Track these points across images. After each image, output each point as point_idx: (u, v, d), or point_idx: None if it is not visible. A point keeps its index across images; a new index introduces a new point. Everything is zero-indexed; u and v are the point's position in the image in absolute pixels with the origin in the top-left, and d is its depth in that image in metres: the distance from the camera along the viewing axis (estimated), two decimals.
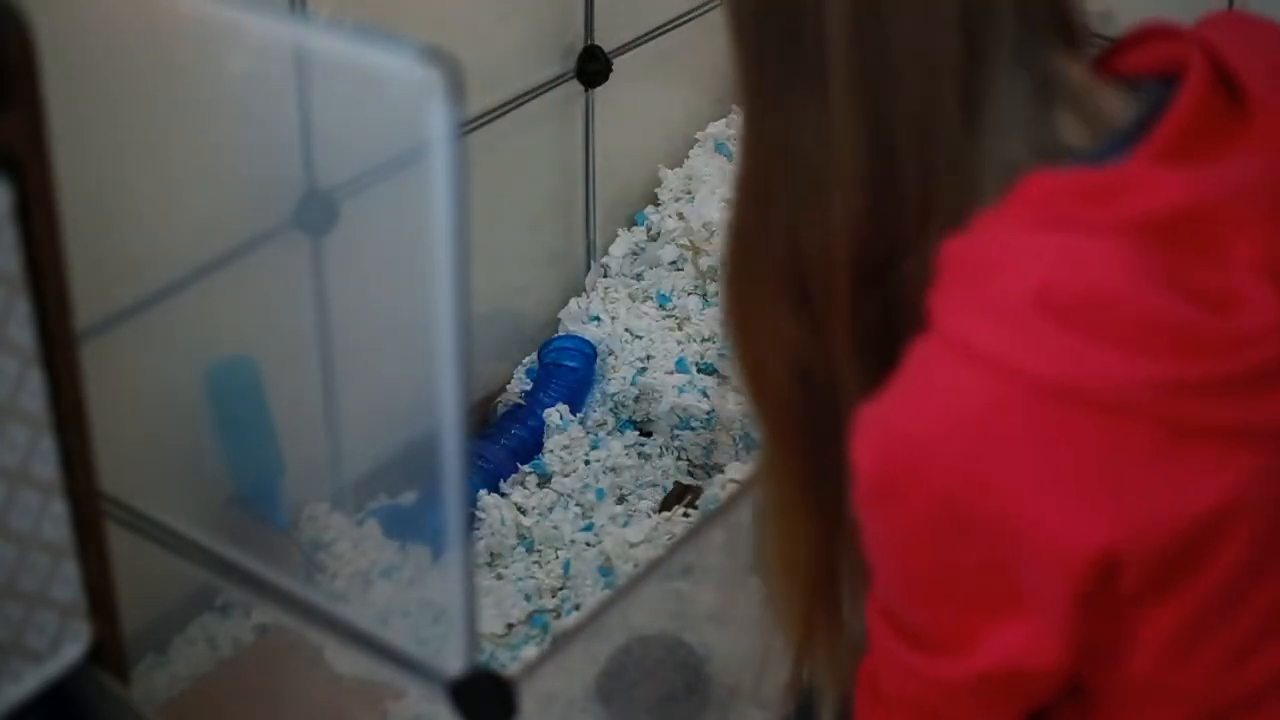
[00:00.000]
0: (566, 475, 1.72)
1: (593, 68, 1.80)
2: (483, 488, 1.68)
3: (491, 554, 1.62)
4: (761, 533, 1.03)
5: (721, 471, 1.72)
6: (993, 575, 0.84)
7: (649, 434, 1.80)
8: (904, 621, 0.89)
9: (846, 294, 0.89)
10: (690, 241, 1.91)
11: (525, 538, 1.65)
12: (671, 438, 1.78)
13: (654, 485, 1.73)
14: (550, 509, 1.68)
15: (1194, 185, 0.84)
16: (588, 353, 1.83)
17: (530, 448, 1.75)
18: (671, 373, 1.81)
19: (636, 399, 1.80)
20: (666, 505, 1.69)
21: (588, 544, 1.64)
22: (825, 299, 0.90)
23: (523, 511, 1.67)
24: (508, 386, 1.84)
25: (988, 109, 0.86)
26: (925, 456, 0.83)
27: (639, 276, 1.93)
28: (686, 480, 1.74)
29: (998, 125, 0.86)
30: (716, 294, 1.88)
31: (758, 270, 0.93)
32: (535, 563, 1.62)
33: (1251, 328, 0.82)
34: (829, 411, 0.92)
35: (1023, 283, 0.82)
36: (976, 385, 0.82)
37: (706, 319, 1.86)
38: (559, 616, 1.56)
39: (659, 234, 1.94)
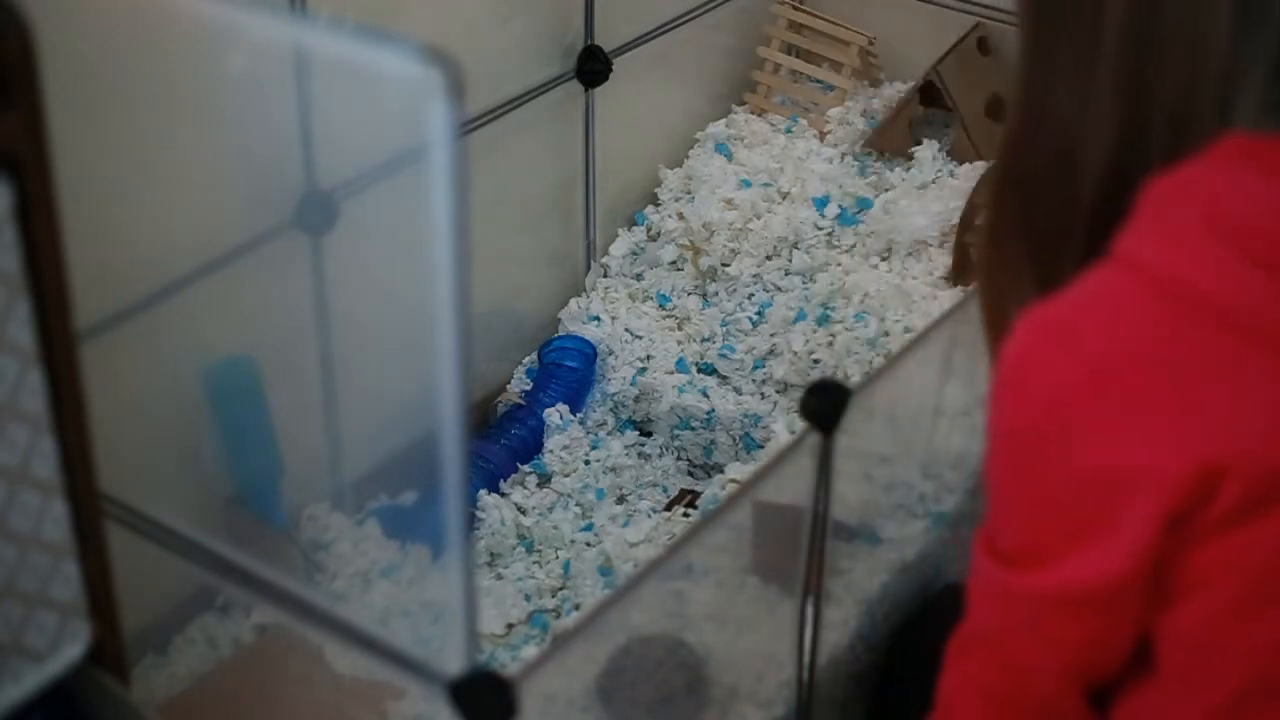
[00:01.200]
0: (566, 475, 1.72)
1: (593, 68, 1.80)
2: (483, 488, 1.68)
3: (491, 554, 1.62)
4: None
5: (721, 471, 1.72)
6: (1089, 483, 0.86)
7: (649, 434, 1.80)
8: (999, 541, 0.92)
9: (1085, 249, 0.92)
10: (690, 241, 1.91)
11: (525, 538, 1.65)
12: (671, 438, 1.78)
13: (654, 485, 1.73)
14: (550, 509, 1.68)
15: None
16: (588, 353, 1.83)
17: (530, 448, 1.75)
18: (671, 373, 1.81)
19: (636, 399, 1.80)
20: (669, 509, 1.70)
21: (588, 544, 1.64)
22: (1064, 247, 0.93)
23: (523, 511, 1.67)
24: (508, 386, 1.84)
25: (1243, 98, 0.89)
26: (1059, 339, 0.87)
27: (639, 276, 1.93)
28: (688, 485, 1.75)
29: (1246, 112, 0.89)
30: (716, 294, 1.88)
31: (1011, 202, 0.98)
32: (535, 563, 1.62)
33: None
34: None
35: (1196, 206, 0.86)
36: (1129, 289, 0.86)
37: (706, 319, 1.86)
38: (559, 616, 1.56)
39: (659, 234, 1.94)
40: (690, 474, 1.77)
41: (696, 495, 1.72)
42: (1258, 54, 0.90)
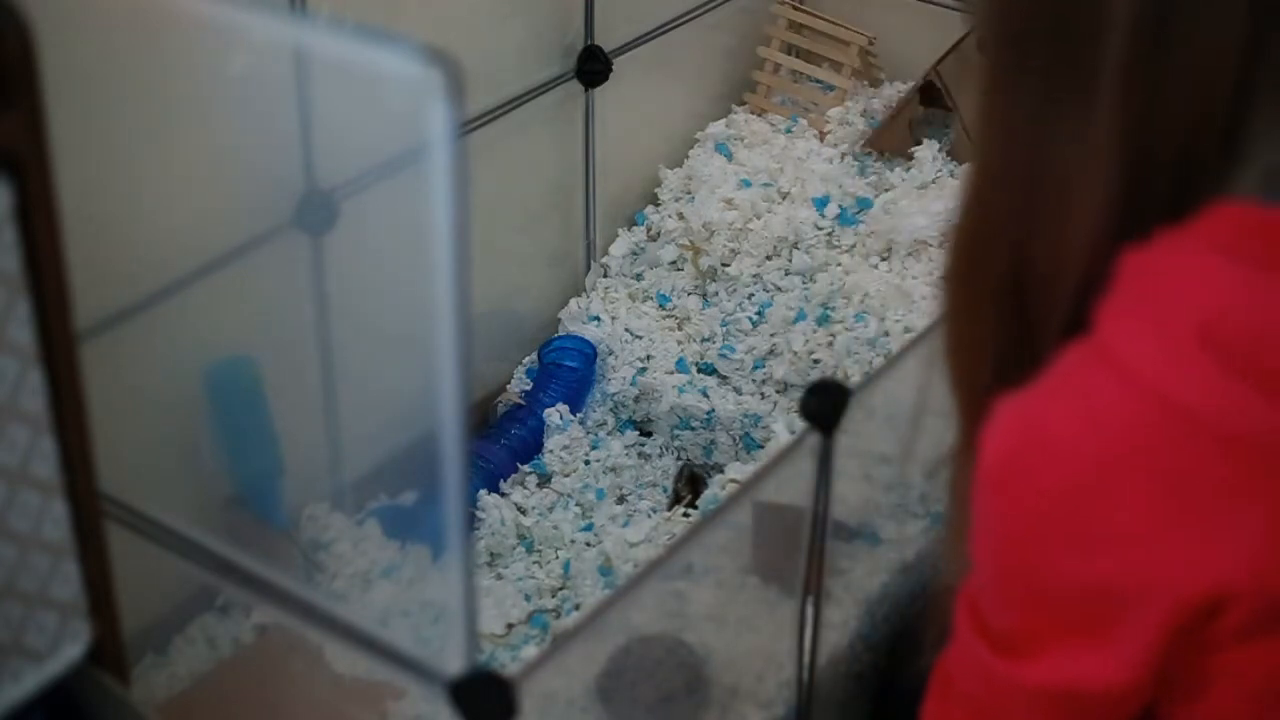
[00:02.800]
0: (566, 475, 1.72)
1: (593, 68, 1.80)
2: (483, 488, 1.68)
3: (491, 554, 1.62)
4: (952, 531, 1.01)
5: (721, 471, 1.72)
6: (1089, 596, 0.83)
7: (649, 434, 1.80)
8: (988, 619, 0.89)
9: (1066, 310, 0.86)
10: (690, 241, 1.91)
11: (525, 538, 1.65)
12: (671, 438, 1.78)
13: (654, 485, 1.73)
14: (550, 509, 1.68)
15: None
16: (588, 353, 1.83)
17: (530, 448, 1.75)
18: (671, 373, 1.81)
19: (636, 399, 1.80)
20: (678, 493, 1.70)
21: (588, 544, 1.64)
22: (1043, 312, 0.87)
23: (523, 511, 1.67)
24: (508, 386, 1.84)
25: (1246, 155, 0.83)
26: (1054, 451, 0.82)
27: (639, 276, 1.93)
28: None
29: (1252, 170, 0.83)
30: (716, 294, 1.88)
31: (978, 275, 0.90)
32: (535, 563, 1.62)
33: None
34: None
35: (1190, 311, 0.80)
36: (1121, 399, 0.81)
37: (706, 319, 1.86)
38: (559, 616, 1.56)
39: (659, 234, 1.94)
40: (690, 474, 1.77)
41: (700, 480, 1.72)
42: (1266, 99, 0.82)
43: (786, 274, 1.87)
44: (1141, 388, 0.81)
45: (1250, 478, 0.80)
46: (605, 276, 1.94)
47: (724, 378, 1.82)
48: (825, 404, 1.12)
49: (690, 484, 1.74)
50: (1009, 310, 0.89)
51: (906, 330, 1.75)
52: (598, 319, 1.87)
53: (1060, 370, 0.84)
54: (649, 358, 1.83)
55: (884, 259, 1.87)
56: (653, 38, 1.88)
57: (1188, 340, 0.80)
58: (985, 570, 0.88)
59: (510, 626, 1.54)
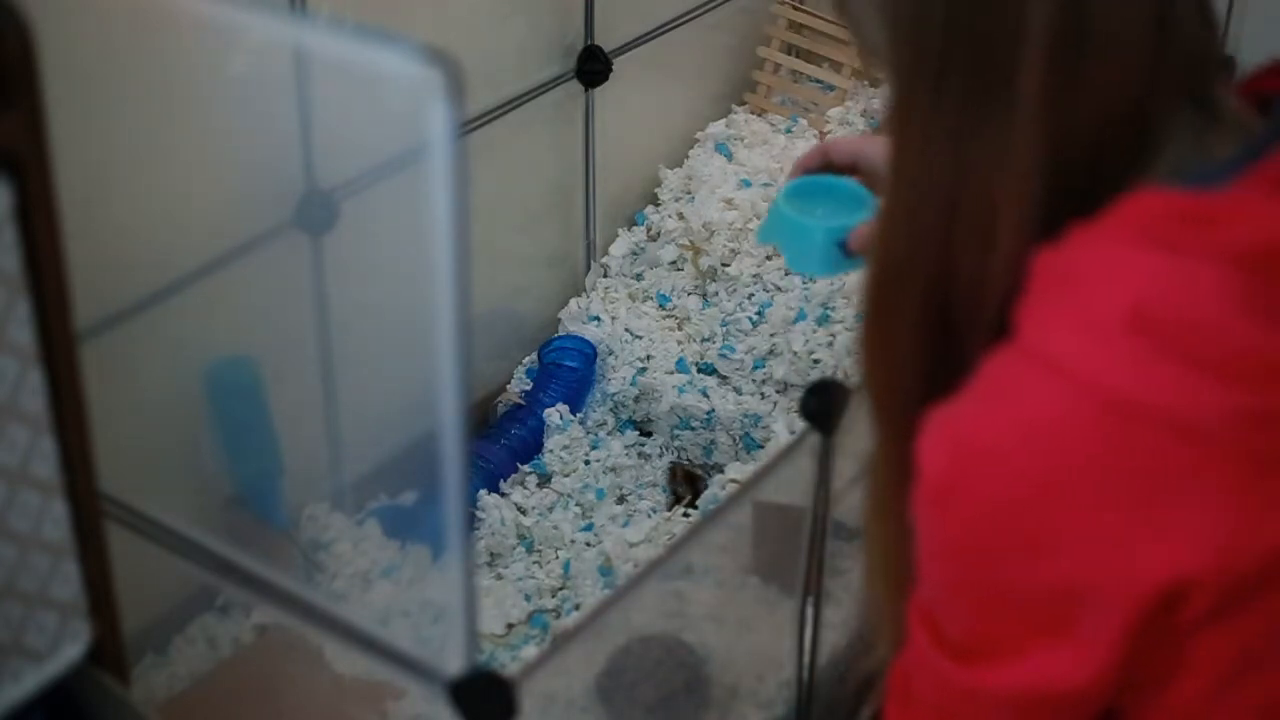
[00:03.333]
0: (566, 475, 1.72)
1: (593, 68, 1.80)
2: (483, 488, 1.68)
3: (491, 554, 1.62)
4: (870, 549, 1.00)
5: (721, 471, 1.72)
6: (1047, 596, 0.82)
7: (649, 434, 1.80)
8: (943, 628, 0.88)
9: (992, 321, 0.86)
10: (690, 241, 1.91)
11: (525, 538, 1.65)
12: (671, 438, 1.78)
13: (654, 485, 1.73)
14: (550, 509, 1.68)
15: None
16: (588, 353, 1.83)
17: (530, 448, 1.75)
18: (671, 373, 1.81)
19: (636, 399, 1.80)
20: (677, 493, 1.70)
21: (588, 544, 1.64)
22: (969, 327, 0.88)
23: (523, 511, 1.67)
24: (508, 386, 1.84)
25: (1160, 156, 0.85)
26: (993, 464, 0.82)
27: (639, 276, 1.93)
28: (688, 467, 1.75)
29: (1162, 158, 0.85)
30: (716, 294, 1.88)
31: (902, 294, 0.90)
32: (535, 563, 1.62)
33: None
34: None
35: (1116, 299, 0.80)
36: (1055, 397, 0.81)
37: (706, 319, 1.86)
38: (559, 616, 1.56)
39: (659, 234, 1.94)
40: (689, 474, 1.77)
41: (695, 479, 1.72)
42: (1177, 101, 0.85)
43: (786, 274, 1.87)
44: (1074, 383, 0.80)
45: (1195, 460, 0.80)
46: (605, 276, 1.93)
47: (724, 378, 1.82)
48: (825, 404, 1.12)
49: (688, 482, 1.75)
50: (934, 329, 0.89)
51: None
52: (598, 319, 1.87)
53: (987, 377, 0.84)
54: (649, 358, 1.83)
55: None
56: (653, 38, 1.88)
57: (1116, 329, 0.80)
58: (936, 582, 0.87)
59: (510, 626, 1.54)
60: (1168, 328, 0.80)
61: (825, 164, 1.41)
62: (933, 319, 0.89)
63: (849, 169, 1.41)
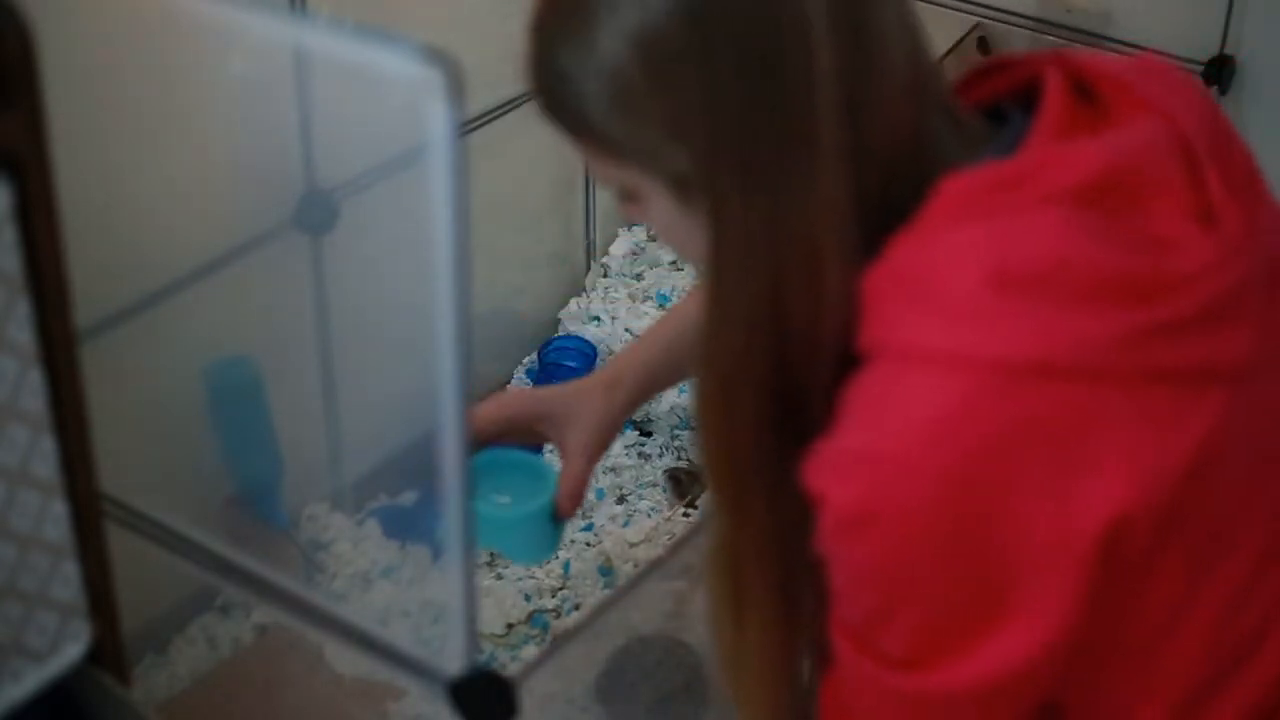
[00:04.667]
0: None
1: None
2: None
3: (491, 554, 1.62)
4: (721, 629, 1.00)
5: None
6: (990, 577, 0.83)
7: (649, 434, 1.80)
8: (882, 645, 0.87)
9: (830, 368, 0.88)
10: None
11: None
12: (671, 438, 1.78)
13: (654, 485, 1.73)
14: None
15: (1105, 150, 0.86)
16: (588, 353, 1.83)
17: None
18: None
19: None
20: (679, 493, 1.70)
21: (588, 544, 1.64)
22: (808, 378, 0.89)
23: None
24: (508, 386, 1.84)
25: (937, 156, 0.88)
26: (906, 473, 0.82)
27: (639, 276, 1.93)
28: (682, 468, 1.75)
29: (942, 165, 0.88)
30: None
31: (745, 379, 0.90)
32: None
33: (1192, 266, 0.84)
34: (799, 496, 0.91)
35: (966, 276, 0.82)
36: (945, 387, 0.81)
37: None
38: (559, 616, 1.56)
39: (659, 234, 1.94)
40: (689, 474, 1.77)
41: (693, 476, 1.72)
42: (939, 127, 0.90)
43: None
44: (958, 366, 0.81)
45: (1096, 397, 0.81)
46: (605, 276, 1.93)
47: None
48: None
49: (690, 480, 1.74)
50: (775, 388, 0.89)
51: None
52: (598, 319, 1.87)
53: (862, 399, 0.85)
54: None
55: None
56: None
57: (979, 301, 0.82)
58: (868, 607, 0.87)
59: (510, 626, 1.54)
60: (1024, 280, 0.82)
61: (505, 426, 1.25)
62: (769, 382, 0.89)
63: (530, 423, 1.27)
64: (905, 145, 0.88)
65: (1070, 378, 0.81)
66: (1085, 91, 0.92)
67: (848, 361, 0.87)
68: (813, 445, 0.86)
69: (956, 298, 0.82)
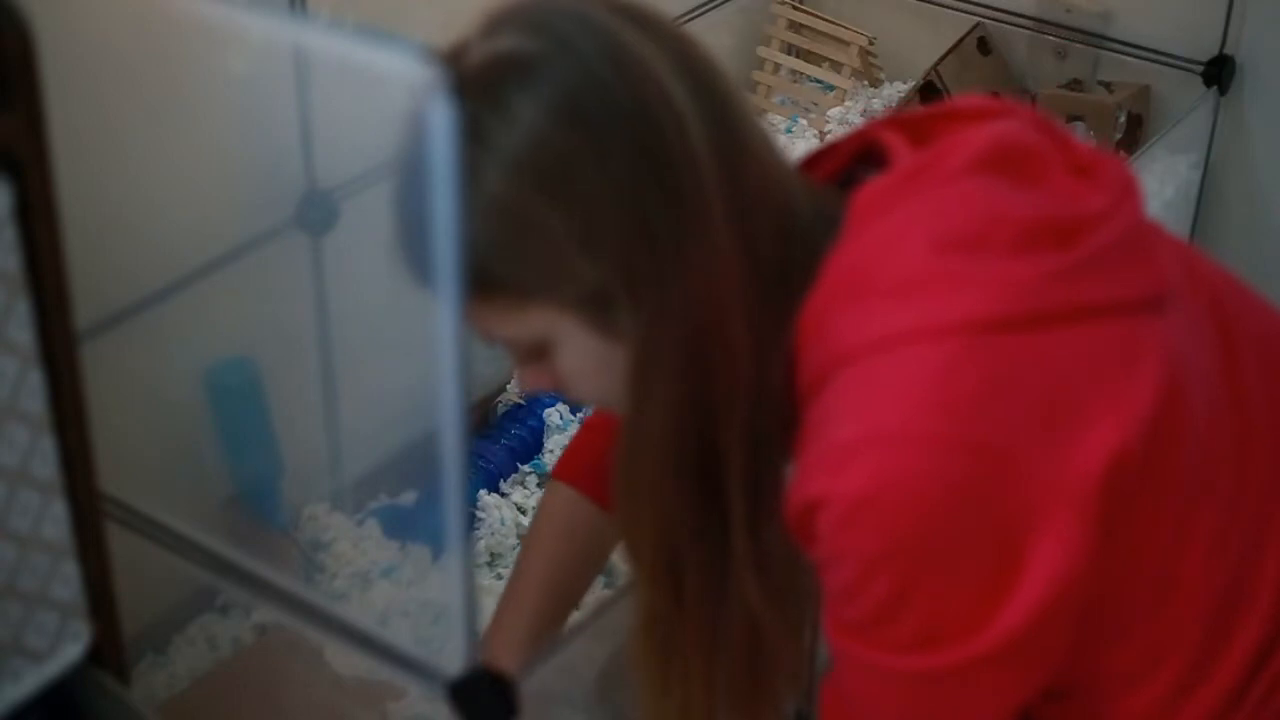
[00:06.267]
0: None
1: None
2: (483, 488, 1.68)
3: (491, 554, 1.62)
4: (646, 698, 1.01)
5: None
6: (1001, 533, 0.83)
7: None
8: (894, 633, 0.87)
9: (747, 452, 0.90)
10: None
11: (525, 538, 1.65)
12: None
13: None
14: None
15: (988, 129, 0.92)
16: None
17: (530, 448, 1.75)
18: None
19: None
20: None
21: None
22: (725, 463, 0.90)
23: (523, 511, 1.67)
24: (508, 386, 1.84)
25: (802, 223, 0.91)
26: (907, 442, 0.82)
27: None
28: None
29: (814, 217, 0.91)
30: None
31: (652, 457, 0.91)
32: None
33: (1096, 206, 0.89)
34: (717, 581, 0.93)
35: (910, 248, 0.85)
36: (923, 356, 0.83)
37: None
38: None
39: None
40: None
41: None
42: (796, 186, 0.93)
43: None
44: (936, 336, 0.83)
45: (1071, 339, 0.85)
46: None
47: None
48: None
49: None
50: (687, 478, 0.91)
51: None
52: None
53: (842, 401, 0.86)
54: None
55: None
56: None
57: (927, 263, 0.85)
58: (879, 596, 0.86)
59: None
60: (966, 241, 0.85)
61: None
62: (685, 474, 0.91)
63: None
64: (784, 216, 0.90)
65: (1033, 326, 0.84)
66: (920, 134, 0.95)
67: (775, 411, 0.90)
68: (736, 546, 0.91)
69: (907, 274, 0.85)
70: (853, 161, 0.98)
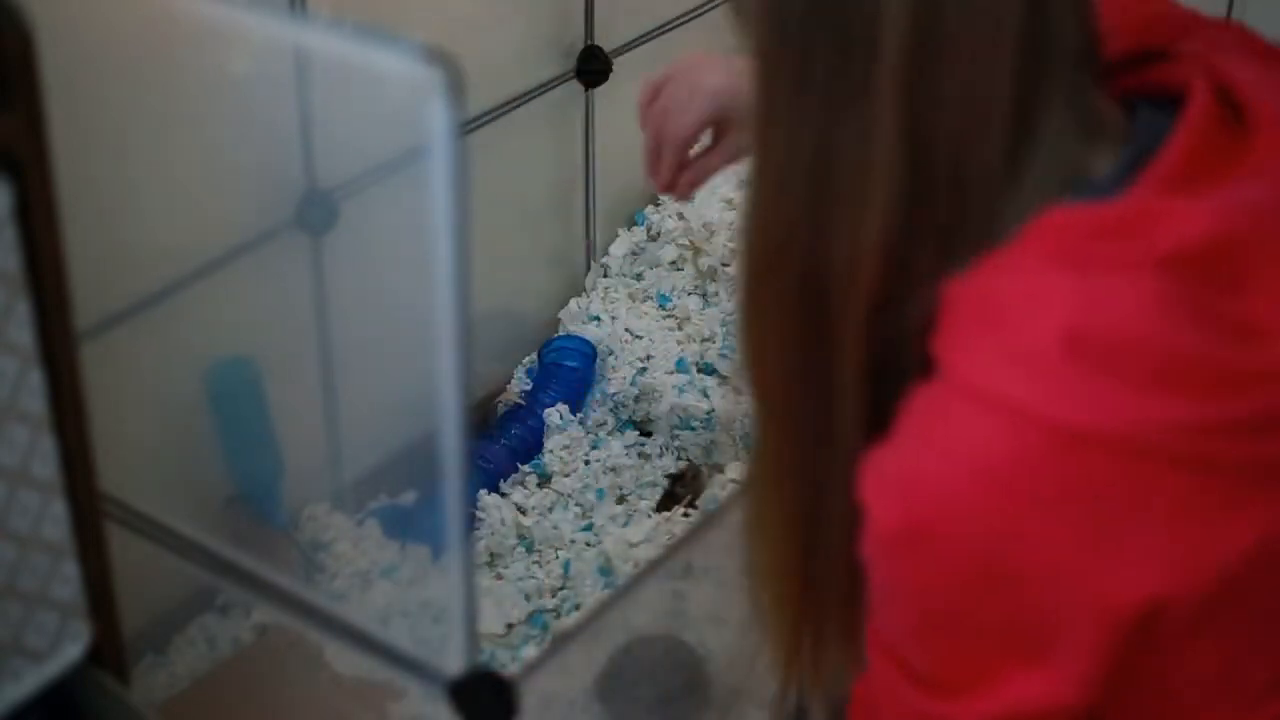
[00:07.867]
0: (566, 475, 1.72)
1: (593, 68, 1.80)
2: (483, 488, 1.68)
3: (491, 554, 1.62)
4: (749, 544, 1.00)
5: (721, 471, 1.72)
6: (1019, 625, 0.82)
7: (649, 434, 1.80)
8: (910, 662, 0.87)
9: (861, 317, 0.86)
10: (690, 241, 1.91)
11: (525, 538, 1.65)
12: (671, 438, 1.78)
13: (654, 485, 1.73)
14: (550, 509, 1.68)
15: (1218, 215, 0.82)
16: (588, 353, 1.83)
17: (530, 448, 1.75)
18: (671, 373, 1.81)
19: (636, 399, 1.80)
20: (665, 506, 1.70)
21: (588, 544, 1.64)
22: (840, 319, 0.87)
23: (523, 511, 1.67)
24: (508, 386, 1.84)
25: (1035, 154, 0.84)
26: (953, 512, 0.81)
27: (639, 276, 1.93)
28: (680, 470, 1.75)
29: (1043, 170, 0.84)
30: (716, 294, 1.88)
31: (775, 283, 0.89)
32: (535, 563, 1.62)
33: (1272, 362, 0.80)
34: (825, 424, 0.90)
35: (1045, 326, 0.80)
36: (1003, 434, 0.80)
37: (706, 319, 1.86)
38: (559, 616, 1.56)
39: (659, 234, 1.94)
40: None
41: (686, 482, 1.72)
42: (1053, 100, 0.84)
43: None
44: (1017, 417, 0.79)
45: (1147, 480, 0.79)
46: (605, 276, 1.93)
47: (724, 378, 1.82)
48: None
49: (693, 481, 1.74)
50: (807, 315, 0.88)
51: None
52: (598, 319, 1.87)
53: (924, 417, 0.83)
54: (649, 358, 1.83)
55: None
56: (653, 38, 1.88)
57: (1051, 357, 0.79)
58: (899, 625, 0.86)
59: (510, 626, 1.54)
60: (1101, 349, 0.79)
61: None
62: (807, 305, 0.88)
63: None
64: (989, 127, 0.83)
65: (1124, 452, 0.79)
66: (1233, 106, 0.88)
67: (905, 344, 0.85)
68: (841, 402, 0.87)
69: (1028, 348, 0.80)
70: (1164, 86, 0.90)
